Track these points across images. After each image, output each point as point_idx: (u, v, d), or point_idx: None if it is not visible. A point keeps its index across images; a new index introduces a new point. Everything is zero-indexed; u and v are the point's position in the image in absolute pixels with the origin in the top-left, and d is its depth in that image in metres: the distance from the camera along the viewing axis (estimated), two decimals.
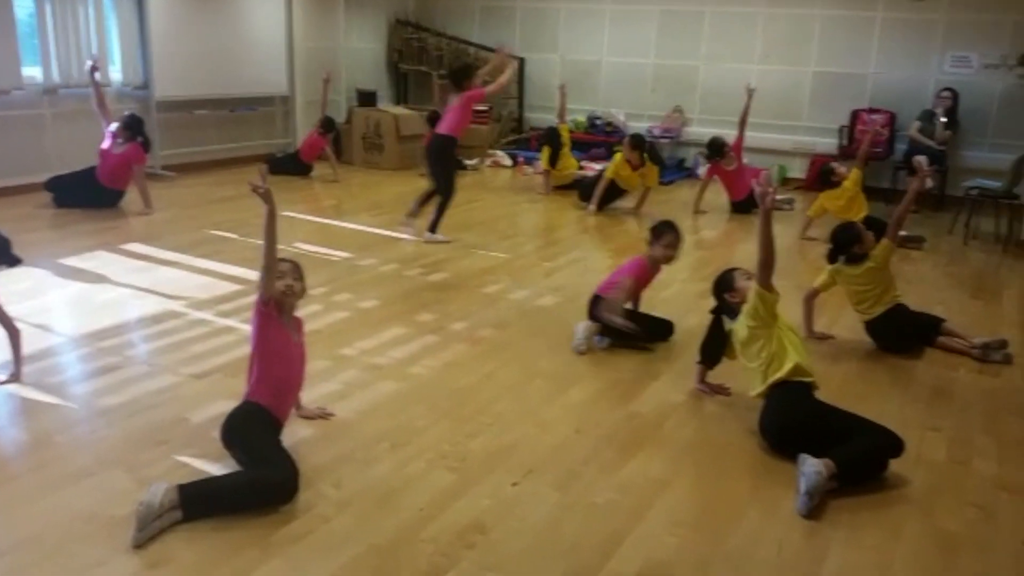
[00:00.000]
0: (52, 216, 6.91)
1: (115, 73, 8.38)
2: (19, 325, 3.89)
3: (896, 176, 8.89)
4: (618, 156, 8.09)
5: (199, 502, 2.76)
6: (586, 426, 3.63)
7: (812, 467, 3.05)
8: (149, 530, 2.64)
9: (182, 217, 7.12)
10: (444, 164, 6.60)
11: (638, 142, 8.03)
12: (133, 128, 7.03)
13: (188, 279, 5.43)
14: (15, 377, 3.78)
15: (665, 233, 4.54)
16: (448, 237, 6.60)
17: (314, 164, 9.23)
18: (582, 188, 8.40)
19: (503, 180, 9.83)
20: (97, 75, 6.89)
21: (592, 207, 7.95)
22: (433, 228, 6.57)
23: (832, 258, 4.75)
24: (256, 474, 2.90)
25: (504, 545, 2.75)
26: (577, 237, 7.12)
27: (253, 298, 3.14)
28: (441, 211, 6.57)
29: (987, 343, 4.58)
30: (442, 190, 6.58)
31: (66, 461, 3.13)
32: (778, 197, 8.19)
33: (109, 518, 2.76)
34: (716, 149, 8.15)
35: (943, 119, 8.68)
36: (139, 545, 2.61)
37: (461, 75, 6.49)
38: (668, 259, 4.57)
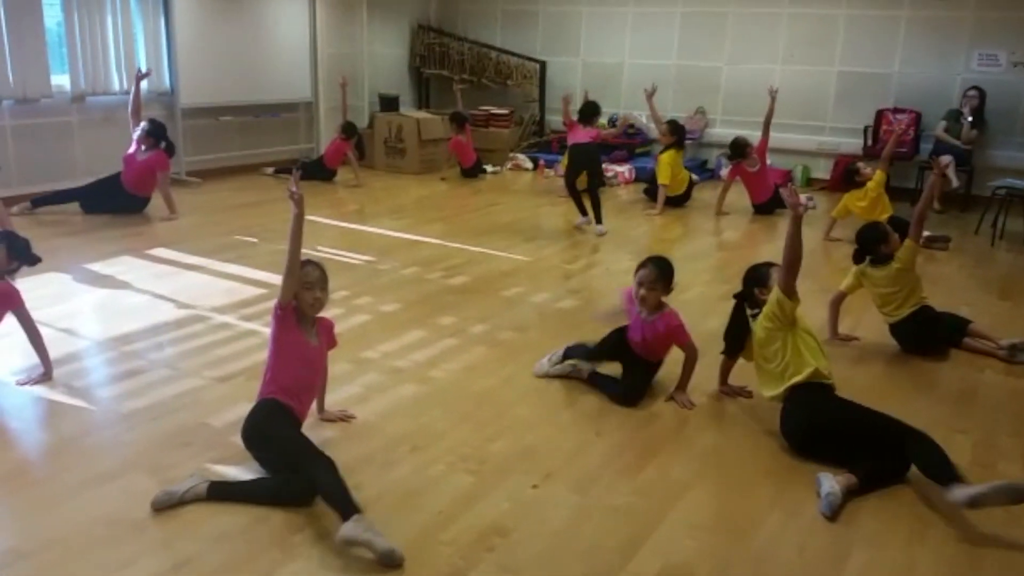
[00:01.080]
0: (78, 222, 7.00)
1: (142, 81, 8.47)
2: (45, 330, 3.96)
3: (922, 176, 8.79)
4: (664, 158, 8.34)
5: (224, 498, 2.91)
6: (605, 429, 3.62)
7: (828, 488, 3.02)
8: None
9: (206, 222, 7.19)
10: (600, 162, 7.75)
11: (675, 129, 8.48)
12: (157, 135, 7.11)
13: (212, 283, 5.49)
14: (47, 375, 3.86)
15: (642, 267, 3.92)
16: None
17: (338, 169, 9.29)
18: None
19: (524, 183, 9.85)
20: (144, 84, 7.19)
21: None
22: (600, 219, 7.32)
23: (858, 258, 4.71)
24: (278, 488, 2.96)
25: (523, 548, 2.76)
26: (597, 240, 7.11)
27: (275, 301, 3.17)
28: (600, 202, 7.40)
29: (1014, 344, 4.52)
30: (602, 182, 7.70)
31: (91, 464, 3.18)
32: (809, 203, 8.21)
33: (133, 521, 2.79)
34: (739, 149, 8.10)
35: (969, 118, 8.58)
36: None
37: (591, 112, 7.66)
38: (641, 299, 3.88)
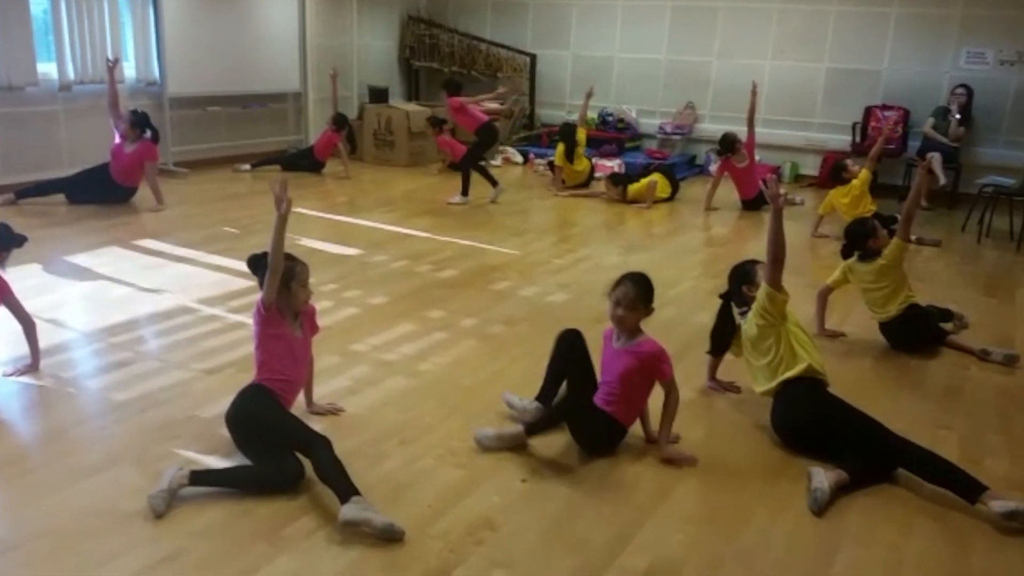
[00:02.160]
0: (63, 213, 6.94)
1: (129, 70, 8.41)
2: (33, 319, 3.92)
3: (909, 173, 8.84)
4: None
5: (206, 483, 2.93)
6: None
7: (817, 484, 3.04)
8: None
9: (194, 213, 7.15)
10: None
11: (616, 180, 8.54)
12: (140, 125, 7.04)
13: (200, 275, 5.46)
14: (33, 367, 3.83)
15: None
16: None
17: (327, 161, 9.25)
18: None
19: (514, 177, 9.82)
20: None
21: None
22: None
23: (846, 253, 4.74)
24: (261, 473, 2.98)
25: (513, 541, 2.76)
26: (587, 234, 7.11)
27: (258, 301, 3.15)
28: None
29: (985, 349, 4.56)
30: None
31: (78, 455, 3.16)
32: (788, 196, 8.16)
33: (121, 513, 2.78)
34: (728, 145, 8.12)
35: (957, 116, 8.63)
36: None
37: (454, 87, 8.30)
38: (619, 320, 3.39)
